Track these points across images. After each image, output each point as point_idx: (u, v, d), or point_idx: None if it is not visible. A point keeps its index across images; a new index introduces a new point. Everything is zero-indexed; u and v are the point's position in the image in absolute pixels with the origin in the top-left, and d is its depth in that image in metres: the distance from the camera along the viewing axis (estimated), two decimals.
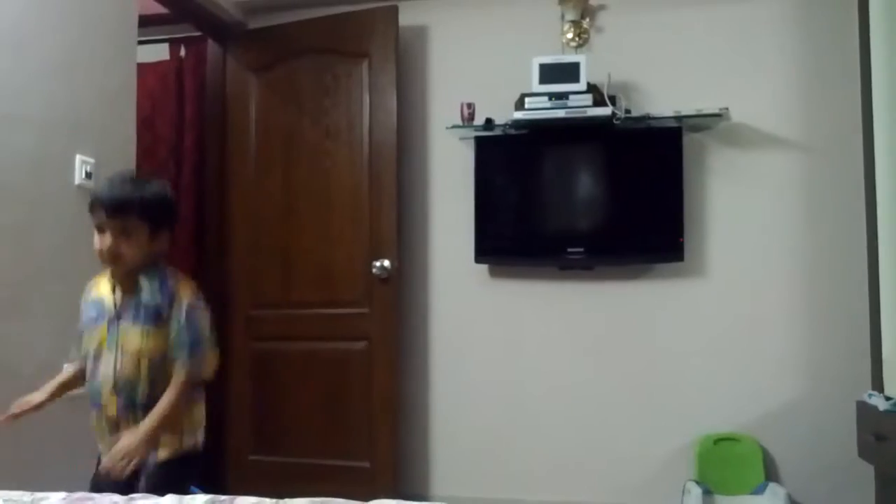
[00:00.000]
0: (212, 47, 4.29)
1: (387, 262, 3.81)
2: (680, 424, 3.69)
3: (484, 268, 3.93)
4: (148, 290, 2.16)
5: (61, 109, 2.76)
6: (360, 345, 3.87)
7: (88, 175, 2.85)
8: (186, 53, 4.40)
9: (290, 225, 3.99)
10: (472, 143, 3.88)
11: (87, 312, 2.23)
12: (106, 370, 2.15)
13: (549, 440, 3.83)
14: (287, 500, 1.55)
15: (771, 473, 3.57)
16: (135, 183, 2.17)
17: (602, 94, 3.65)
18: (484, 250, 3.84)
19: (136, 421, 2.12)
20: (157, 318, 2.14)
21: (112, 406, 2.15)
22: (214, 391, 4.08)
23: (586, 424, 3.80)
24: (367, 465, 3.80)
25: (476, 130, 3.84)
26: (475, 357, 3.94)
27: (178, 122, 4.35)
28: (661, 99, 3.74)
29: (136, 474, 2.13)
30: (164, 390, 2.15)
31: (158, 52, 4.39)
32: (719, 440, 3.58)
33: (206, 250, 4.24)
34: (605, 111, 3.61)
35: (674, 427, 3.70)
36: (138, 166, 3.23)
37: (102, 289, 2.22)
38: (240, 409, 4.04)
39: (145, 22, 3.33)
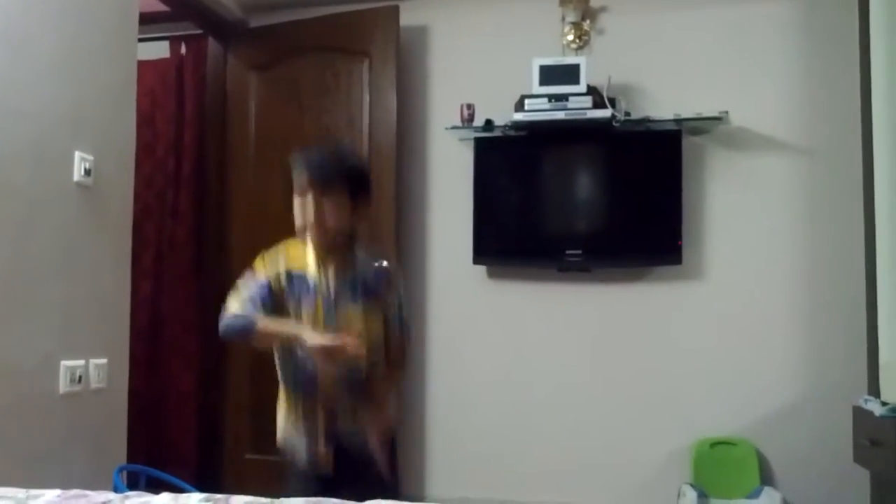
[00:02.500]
0: (212, 45, 4.29)
1: (385, 263, 3.79)
2: (676, 427, 3.69)
3: (482, 269, 3.93)
4: (363, 267, 2.16)
5: (61, 106, 2.76)
6: None
7: (87, 172, 2.84)
8: (187, 51, 4.40)
9: (289, 223, 3.97)
10: (471, 144, 3.88)
11: (289, 284, 2.12)
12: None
13: (545, 442, 3.83)
14: (282, 499, 1.55)
15: (766, 477, 3.57)
16: (340, 154, 2.20)
17: (602, 97, 3.65)
18: (482, 251, 3.84)
19: (353, 404, 2.09)
20: (376, 297, 2.14)
21: (330, 389, 2.08)
22: (212, 391, 4.11)
23: (582, 426, 3.80)
24: None
25: (475, 131, 3.85)
26: (472, 358, 3.94)
27: (178, 119, 4.35)
28: (660, 102, 3.74)
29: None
30: (379, 372, 2.14)
31: (159, 50, 4.38)
32: (715, 444, 3.59)
33: (205, 248, 4.24)
34: (604, 113, 3.61)
35: (670, 430, 3.70)
36: (138, 164, 3.23)
37: (305, 262, 2.15)
38: (237, 409, 4.04)
39: (146, 19, 3.32)
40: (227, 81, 4.21)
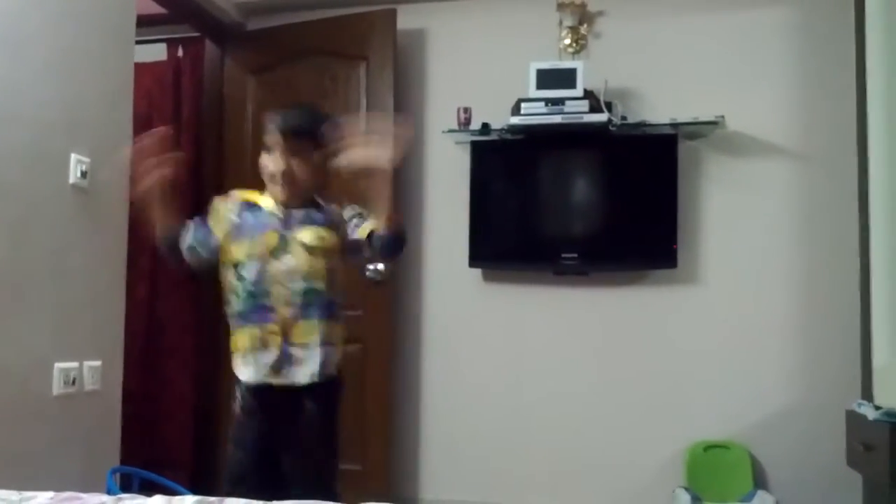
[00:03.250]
0: (209, 48, 4.29)
1: (381, 266, 3.81)
2: (670, 431, 3.70)
3: (478, 272, 3.93)
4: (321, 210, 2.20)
5: (58, 108, 2.77)
6: (353, 348, 3.83)
7: (83, 174, 2.85)
8: (184, 54, 4.40)
9: None
10: (468, 148, 3.89)
11: (239, 218, 2.20)
12: (279, 271, 2.12)
13: (540, 445, 3.83)
14: (276, 502, 1.56)
15: (760, 481, 3.57)
16: (313, 113, 2.24)
17: (598, 101, 3.66)
18: (478, 255, 3.85)
19: (312, 322, 2.12)
20: (331, 224, 2.18)
21: (285, 308, 2.11)
22: (209, 392, 4.10)
23: (577, 429, 3.80)
24: (358, 468, 3.80)
25: (472, 135, 3.85)
26: (468, 361, 3.94)
27: (174, 122, 4.33)
28: (657, 106, 3.75)
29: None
30: (340, 291, 2.18)
31: (156, 53, 4.38)
32: (709, 447, 3.59)
33: None
34: (601, 117, 3.62)
35: (664, 433, 3.71)
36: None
37: (261, 201, 2.21)
38: (233, 411, 4.04)
39: (143, 22, 3.32)
40: (225, 84, 4.22)
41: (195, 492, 2.20)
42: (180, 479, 3.37)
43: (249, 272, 2.13)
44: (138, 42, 3.28)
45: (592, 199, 3.92)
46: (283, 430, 2.17)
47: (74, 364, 2.81)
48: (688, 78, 3.79)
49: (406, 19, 3.96)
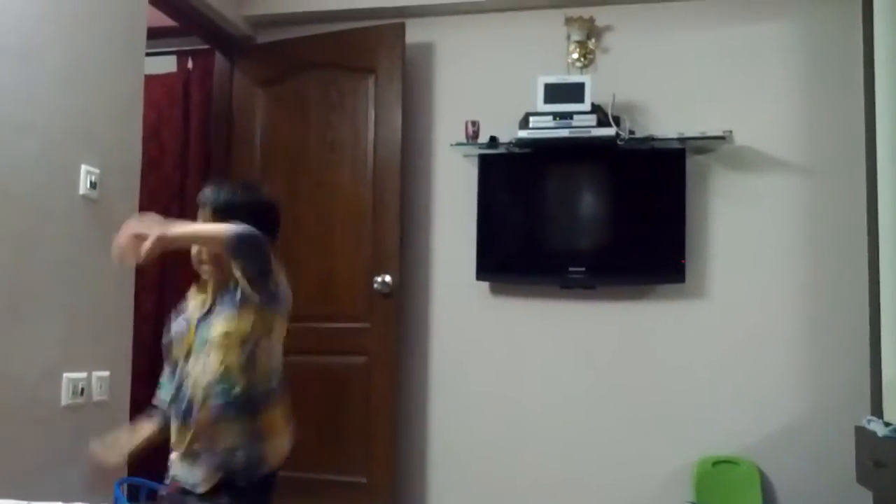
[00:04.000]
0: (219, 60, 4.31)
1: (388, 278, 3.81)
2: (679, 446, 3.68)
3: (485, 285, 3.93)
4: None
5: (68, 119, 2.78)
6: (360, 359, 3.87)
7: (93, 185, 2.86)
8: (194, 66, 4.42)
9: (292, 238, 3.99)
10: (475, 161, 3.90)
11: (174, 329, 2.15)
12: (193, 370, 2.04)
13: (547, 458, 3.82)
14: None
15: (769, 497, 3.55)
16: (245, 187, 2.16)
17: (606, 115, 3.66)
18: (486, 268, 3.85)
19: (235, 422, 2.01)
20: (243, 301, 2.02)
21: (205, 409, 2.00)
22: None
23: (585, 443, 3.79)
24: (363, 480, 3.80)
25: (480, 148, 3.86)
26: (475, 374, 3.93)
27: (184, 133, 4.36)
28: (665, 120, 3.75)
29: None
30: (260, 383, 2.05)
31: (166, 64, 4.40)
32: (718, 462, 3.58)
33: None
34: (608, 132, 3.62)
35: (672, 448, 3.69)
36: (143, 177, 3.24)
37: (191, 302, 2.15)
38: None
39: (154, 34, 3.35)
40: (234, 97, 4.23)
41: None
42: None
43: (175, 372, 2.14)
44: (149, 54, 3.30)
45: (600, 213, 3.92)
46: None
47: (83, 374, 2.81)
48: (695, 92, 3.80)
49: (414, 33, 3.97)
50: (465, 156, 3.95)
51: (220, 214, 2.05)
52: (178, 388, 2.07)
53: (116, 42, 3.06)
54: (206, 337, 2.03)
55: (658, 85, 3.83)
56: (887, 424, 2.71)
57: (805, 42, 3.73)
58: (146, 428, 2.18)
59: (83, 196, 2.82)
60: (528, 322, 3.90)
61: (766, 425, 3.62)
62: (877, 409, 3.19)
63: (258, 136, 4.14)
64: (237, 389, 2.01)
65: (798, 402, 3.61)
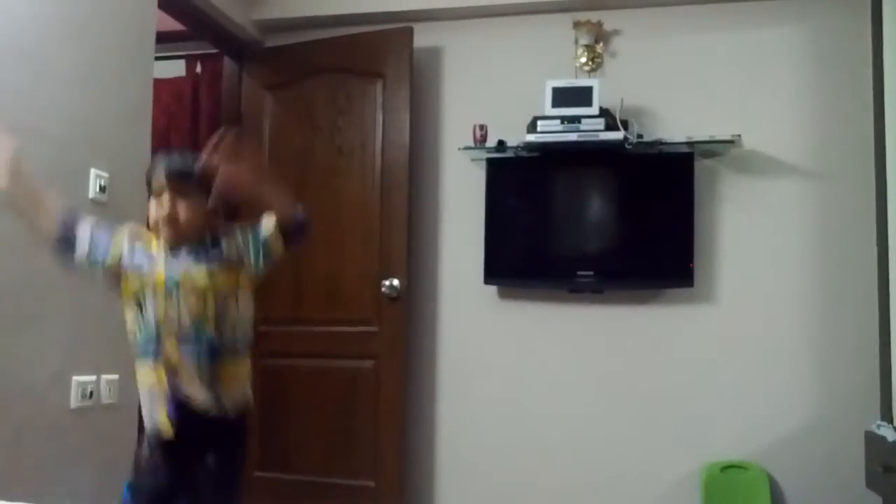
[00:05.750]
0: (228, 64, 4.32)
1: (396, 282, 3.82)
2: (687, 450, 3.67)
3: (493, 289, 3.93)
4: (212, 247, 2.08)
5: (78, 123, 2.79)
6: (368, 363, 3.87)
7: (102, 189, 2.87)
8: (203, 70, 4.44)
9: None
10: (483, 165, 3.90)
11: (132, 253, 2.09)
12: (165, 314, 2.03)
13: (554, 462, 3.81)
14: None
15: (778, 502, 3.54)
16: (195, 156, 2.13)
17: (614, 119, 3.66)
18: (493, 272, 3.84)
19: (203, 368, 2.04)
20: (225, 259, 2.08)
21: (175, 353, 2.03)
22: None
23: (593, 448, 3.78)
24: (371, 484, 3.80)
25: (488, 152, 3.86)
26: (482, 378, 3.93)
27: (192, 137, 4.38)
28: (673, 124, 3.75)
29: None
30: (231, 331, 2.10)
31: (175, 69, 4.43)
32: (726, 468, 3.56)
33: None
34: (617, 135, 3.62)
35: (681, 453, 3.68)
36: None
37: (152, 243, 2.12)
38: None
39: (163, 38, 3.36)
40: (242, 101, 4.24)
41: None
42: None
43: (148, 309, 2.07)
44: (158, 58, 3.32)
45: (608, 217, 3.92)
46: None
47: (92, 377, 2.82)
48: (703, 96, 3.80)
49: (422, 37, 3.98)
50: (473, 160, 3.95)
51: (175, 178, 2.07)
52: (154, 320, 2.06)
53: (126, 46, 3.07)
54: (179, 284, 2.04)
55: (666, 89, 3.83)
56: None
57: (814, 46, 3.72)
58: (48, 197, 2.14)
59: (92, 200, 2.83)
60: (536, 326, 3.90)
61: (774, 430, 3.61)
62: (886, 414, 3.17)
63: (266, 141, 4.15)
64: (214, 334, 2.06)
65: (807, 407, 3.60)
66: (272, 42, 4.28)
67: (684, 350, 3.73)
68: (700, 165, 3.72)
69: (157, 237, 2.10)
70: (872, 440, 2.86)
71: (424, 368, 3.99)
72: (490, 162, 3.88)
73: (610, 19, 3.90)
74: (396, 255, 3.86)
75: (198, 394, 2.04)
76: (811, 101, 3.71)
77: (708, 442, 3.65)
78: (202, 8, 3.77)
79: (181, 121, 4.39)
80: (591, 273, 3.74)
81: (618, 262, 3.79)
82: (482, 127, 3.84)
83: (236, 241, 2.10)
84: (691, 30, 3.85)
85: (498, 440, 3.88)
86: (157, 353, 2.05)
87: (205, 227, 2.10)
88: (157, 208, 2.07)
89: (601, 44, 3.92)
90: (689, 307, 3.74)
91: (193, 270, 2.05)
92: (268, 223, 2.08)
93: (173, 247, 2.08)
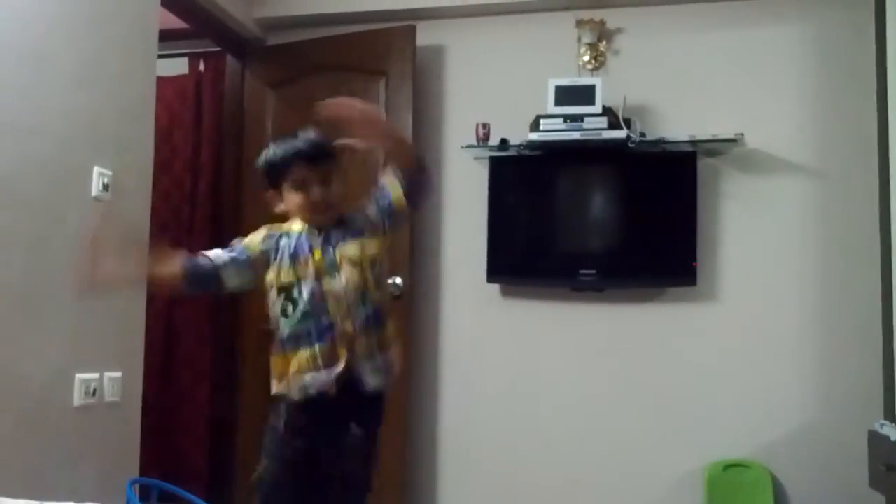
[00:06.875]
0: (230, 62, 4.32)
1: (399, 280, 3.81)
2: (689, 449, 3.67)
3: (496, 287, 3.93)
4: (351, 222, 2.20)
5: (80, 121, 2.79)
6: None
7: (106, 187, 2.87)
8: (205, 68, 4.44)
9: None
10: (486, 163, 3.89)
11: (276, 246, 2.22)
12: (333, 289, 2.12)
13: (557, 460, 3.81)
14: None
15: (781, 501, 3.54)
16: (311, 134, 2.29)
17: (617, 117, 3.66)
18: (496, 270, 3.84)
19: (372, 334, 2.15)
20: (366, 230, 2.19)
21: (348, 323, 2.11)
22: (225, 404, 4.11)
23: (595, 446, 3.78)
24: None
25: (491, 150, 3.86)
26: (485, 376, 3.93)
27: (195, 135, 4.38)
28: (676, 123, 3.74)
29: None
30: (387, 295, 2.27)
31: (177, 66, 4.43)
32: (729, 466, 3.56)
33: None
34: (619, 134, 3.62)
35: (683, 451, 3.68)
36: (155, 179, 3.26)
37: (293, 228, 2.23)
38: (250, 422, 4.04)
39: (165, 36, 3.36)
40: (245, 98, 4.24)
41: (210, 502, 2.21)
42: (196, 490, 3.36)
43: (303, 293, 2.12)
44: (160, 56, 3.32)
45: (611, 216, 3.91)
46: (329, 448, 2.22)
47: (95, 375, 2.82)
48: (706, 95, 3.79)
49: (425, 35, 3.97)
50: (476, 158, 3.94)
51: (319, 160, 2.20)
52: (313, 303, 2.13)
53: (129, 44, 3.07)
54: (338, 259, 2.14)
55: (669, 87, 3.83)
56: None
57: (817, 45, 3.72)
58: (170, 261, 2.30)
59: (95, 198, 2.83)
60: (539, 324, 3.90)
61: (777, 429, 3.61)
62: (889, 413, 3.17)
63: (269, 138, 4.14)
64: (378, 301, 2.19)
65: (810, 406, 3.59)
66: (275, 40, 4.28)
67: (687, 349, 3.73)
68: (703, 164, 3.72)
69: (300, 223, 2.21)
70: (876, 439, 2.86)
71: (427, 366, 3.99)
72: (493, 160, 3.88)
73: (613, 17, 3.90)
74: (399, 253, 3.85)
75: (367, 365, 2.15)
76: (814, 100, 3.70)
77: (710, 440, 3.64)
78: (205, 6, 3.77)
79: (184, 119, 4.39)
80: (593, 271, 3.73)
81: (620, 260, 3.79)
82: (485, 125, 3.84)
83: (369, 208, 2.20)
84: (694, 28, 3.84)
85: (500, 437, 3.88)
86: (324, 334, 2.11)
87: (344, 199, 2.21)
88: (302, 197, 2.17)
89: (604, 42, 3.91)
90: (692, 306, 3.74)
91: (346, 244, 2.15)
92: (391, 183, 2.18)
93: (323, 228, 2.18)
